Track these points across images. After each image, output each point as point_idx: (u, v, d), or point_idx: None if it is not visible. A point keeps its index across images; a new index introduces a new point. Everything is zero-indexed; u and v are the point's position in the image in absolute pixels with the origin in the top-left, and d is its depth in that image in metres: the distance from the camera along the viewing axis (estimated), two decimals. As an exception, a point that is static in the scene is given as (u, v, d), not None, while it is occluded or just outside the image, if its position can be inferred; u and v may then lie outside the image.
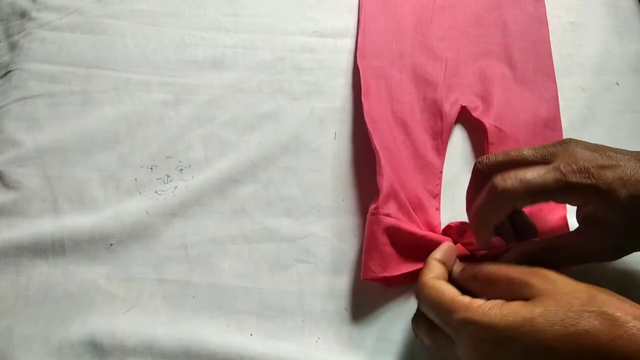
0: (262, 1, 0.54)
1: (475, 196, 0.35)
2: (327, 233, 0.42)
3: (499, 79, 0.48)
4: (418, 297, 0.33)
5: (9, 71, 0.50)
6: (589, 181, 0.30)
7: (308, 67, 0.50)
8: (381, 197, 0.38)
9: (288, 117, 0.47)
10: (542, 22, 0.51)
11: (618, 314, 0.25)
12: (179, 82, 0.49)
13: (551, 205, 0.40)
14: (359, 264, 0.40)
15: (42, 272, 0.40)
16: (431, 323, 0.32)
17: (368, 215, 0.39)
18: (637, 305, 0.26)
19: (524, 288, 0.29)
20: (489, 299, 0.29)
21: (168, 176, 0.44)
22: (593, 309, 0.26)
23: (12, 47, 0.52)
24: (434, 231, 0.40)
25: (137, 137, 0.46)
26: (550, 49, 0.50)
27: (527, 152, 0.34)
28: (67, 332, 0.38)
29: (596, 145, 0.33)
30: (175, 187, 0.44)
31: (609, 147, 0.33)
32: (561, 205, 0.41)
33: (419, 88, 0.47)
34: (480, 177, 0.35)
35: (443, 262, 0.34)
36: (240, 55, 0.51)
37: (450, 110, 0.46)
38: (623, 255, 0.34)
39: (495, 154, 0.35)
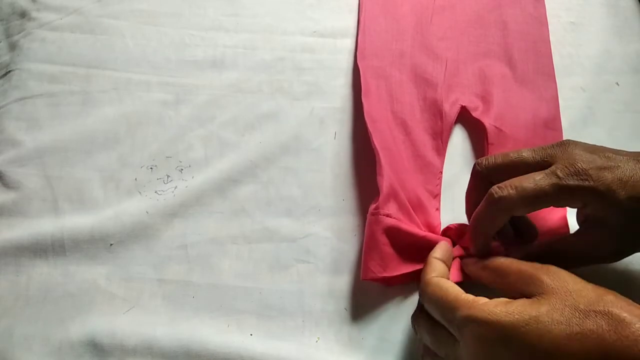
0: (262, 1, 0.54)
1: (474, 198, 0.36)
2: (327, 233, 0.42)
3: (499, 79, 0.48)
4: (422, 296, 0.33)
5: (9, 71, 0.50)
6: (587, 183, 0.30)
7: (308, 67, 0.50)
8: (381, 198, 0.38)
9: (288, 117, 0.47)
10: (542, 22, 0.51)
11: (624, 315, 0.25)
12: (179, 82, 0.49)
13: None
14: (359, 264, 0.40)
15: (42, 272, 0.40)
16: (433, 321, 0.32)
17: (368, 216, 0.39)
18: None
19: (534, 282, 0.29)
20: (495, 290, 0.29)
21: (168, 176, 0.44)
22: (599, 309, 0.26)
23: (12, 47, 0.52)
24: (434, 231, 0.40)
25: (137, 137, 0.46)
26: (550, 49, 0.50)
27: (526, 154, 0.34)
28: (67, 332, 0.38)
29: (595, 146, 0.33)
30: (175, 187, 0.44)
31: (608, 148, 0.33)
32: (561, 206, 0.41)
33: (419, 88, 0.47)
34: (480, 179, 0.35)
35: (443, 261, 0.35)
36: (240, 55, 0.51)
37: (450, 110, 0.46)
38: (624, 257, 0.34)
39: (494, 155, 0.35)
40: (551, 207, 0.39)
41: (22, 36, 0.52)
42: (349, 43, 0.51)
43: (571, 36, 0.52)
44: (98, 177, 0.44)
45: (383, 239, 0.37)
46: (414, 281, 0.38)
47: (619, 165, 0.31)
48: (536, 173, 0.32)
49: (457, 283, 0.33)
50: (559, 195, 0.31)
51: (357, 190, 0.43)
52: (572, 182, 0.31)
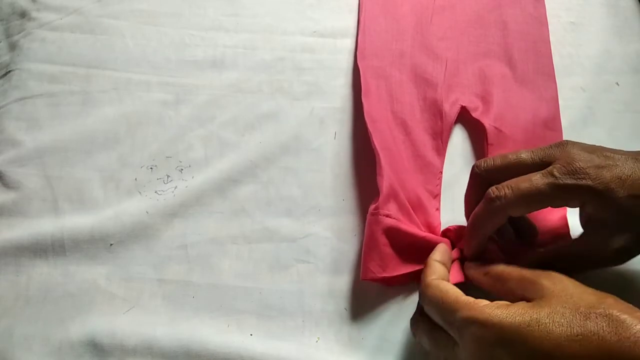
0: (262, 1, 0.54)
1: (473, 200, 0.36)
2: (327, 233, 0.42)
3: (499, 79, 0.48)
4: (421, 298, 0.33)
5: (9, 71, 0.50)
6: (584, 182, 0.31)
7: (308, 67, 0.50)
8: (381, 198, 0.38)
9: (288, 117, 0.47)
10: (542, 22, 0.51)
11: (625, 317, 0.25)
12: (179, 82, 0.49)
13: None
14: (359, 264, 0.40)
15: (42, 272, 0.40)
16: (432, 324, 0.32)
17: (368, 216, 0.39)
18: None
19: (534, 287, 0.29)
20: (496, 295, 0.29)
21: (168, 176, 0.44)
22: (600, 311, 0.26)
23: (12, 47, 0.52)
24: (433, 232, 0.40)
25: (137, 137, 0.46)
26: (550, 49, 0.50)
27: (525, 155, 0.34)
28: (67, 332, 0.38)
29: (593, 146, 0.33)
30: (175, 187, 0.44)
31: (607, 147, 0.33)
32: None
33: (419, 88, 0.47)
34: (479, 181, 0.35)
35: (443, 263, 0.35)
36: (240, 55, 0.51)
37: (450, 110, 0.46)
38: (629, 259, 0.33)
39: (493, 157, 0.35)
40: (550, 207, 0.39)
41: (22, 36, 0.52)
42: (349, 43, 0.51)
43: (571, 36, 0.52)
44: (98, 177, 0.44)
45: (383, 239, 0.37)
46: (413, 281, 0.38)
47: (617, 164, 0.31)
48: (534, 174, 0.32)
49: (457, 284, 0.33)
50: (556, 195, 0.31)
51: (357, 190, 0.43)
52: (568, 181, 0.31)
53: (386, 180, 0.39)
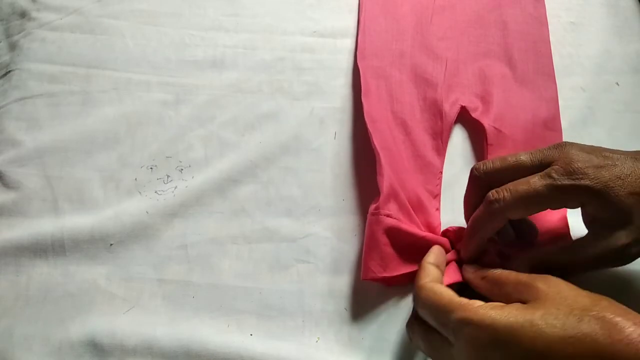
0: (262, 1, 0.54)
1: (472, 203, 0.36)
2: (327, 233, 0.42)
3: (499, 79, 0.48)
4: (415, 300, 0.33)
5: (9, 71, 0.50)
6: (582, 182, 0.31)
7: (308, 67, 0.50)
8: (382, 198, 0.38)
9: (288, 117, 0.47)
10: (542, 22, 0.51)
11: (618, 319, 0.25)
12: (179, 82, 0.49)
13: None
14: (359, 264, 0.40)
15: (42, 272, 0.40)
16: (427, 326, 0.32)
17: (368, 216, 0.39)
18: (637, 314, 0.26)
19: (530, 290, 0.29)
20: (493, 300, 0.30)
21: (168, 176, 0.44)
22: (594, 313, 0.26)
23: (12, 47, 0.52)
24: (434, 232, 0.40)
25: (137, 137, 0.46)
26: (550, 49, 0.50)
27: (524, 157, 0.34)
28: (67, 332, 0.38)
29: (592, 146, 0.33)
30: (175, 187, 0.44)
31: (606, 148, 0.33)
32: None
33: (419, 88, 0.47)
34: (478, 184, 0.35)
35: (437, 266, 0.35)
36: (240, 55, 0.51)
37: (450, 110, 0.46)
38: (632, 260, 0.33)
39: (492, 160, 0.35)
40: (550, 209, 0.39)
41: (22, 36, 0.52)
42: (349, 43, 0.51)
43: (571, 36, 0.52)
44: (98, 177, 0.44)
45: (383, 239, 0.37)
46: (412, 282, 0.38)
47: (616, 164, 0.31)
48: (532, 176, 0.32)
49: (453, 285, 0.33)
50: (554, 196, 0.31)
51: (357, 190, 0.43)
52: (566, 181, 0.31)
53: (386, 180, 0.39)
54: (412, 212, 0.40)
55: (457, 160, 0.45)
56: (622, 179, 0.30)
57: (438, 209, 0.42)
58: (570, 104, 0.47)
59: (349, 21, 0.53)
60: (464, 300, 0.30)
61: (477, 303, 0.29)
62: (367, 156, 0.43)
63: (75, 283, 0.40)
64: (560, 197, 0.31)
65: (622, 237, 0.32)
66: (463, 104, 0.47)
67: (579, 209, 0.33)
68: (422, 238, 0.38)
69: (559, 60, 0.50)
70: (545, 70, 0.49)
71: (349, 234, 0.42)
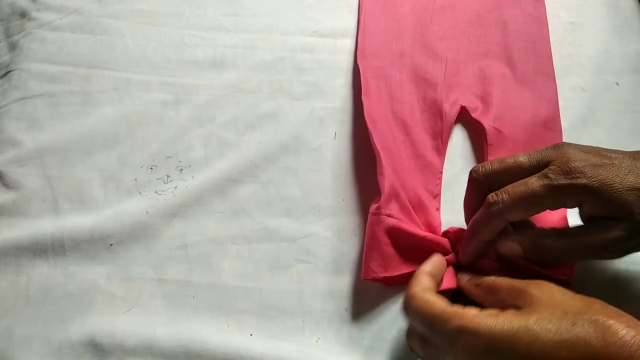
0: (262, 1, 0.54)
1: (472, 205, 0.36)
2: (327, 233, 0.42)
3: (499, 79, 0.48)
4: (405, 310, 0.32)
5: (9, 71, 0.50)
6: (578, 181, 0.31)
7: (308, 67, 0.50)
8: (383, 198, 0.38)
9: (288, 117, 0.47)
10: (542, 22, 0.51)
11: (611, 322, 0.25)
12: (179, 82, 0.49)
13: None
14: (359, 264, 0.40)
15: (42, 272, 0.40)
16: (422, 336, 0.32)
17: (369, 215, 0.39)
18: (630, 316, 0.26)
19: (524, 296, 0.29)
20: (488, 307, 0.30)
21: (168, 176, 0.44)
22: (587, 316, 0.26)
23: (12, 47, 0.52)
24: (434, 232, 0.40)
25: (137, 137, 0.46)
26: (550, 49, 0.50)
27: (523, 158, 0.34)
28: (67, 332, 0.38)
29: (590, 146, 0.33)
30: (175, 187, 0.44)
31: (604, 148, 0.33)
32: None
33: (419, 88, 0.47)
34: (478, 186, 0.35)
35: (432, 275, 0.34)
36: (240, 55, 0.51)
37: (450, 110, 0.46)
38: (626, 254, 0.33)
39: (490, 162, 0.35)
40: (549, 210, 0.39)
41: (22, 36, 0.52)
42: (349, 43, 0.51)
43: (571, 36, 0.52)
44: (98, 177, 0.44)
45: (384, 239, 0.37)
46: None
47: (614, 163, 0.31)
48: (530, 177, 0.32)
49: (446, 291, 0.33)
50: (552, 196, 0.31)
51: (357, 190, 0.43)
52: (563, 181, 0.31)
53: (387, 180, 0.39)
54: (413, 212, 0.40)
55: (457, 160, 0.45)
56: (620, 177, 0.31)
57: (438, 209, 0.42)
58: (570, 104, 0.47)
59: (349, 21, 0.53)
60: (459, 308, 0.30)
61: (472, 311, 0.29)
62: (367, 156, 0.43)
63: (75, 283, 0.40)
64: (558, 196, 0.31)
65: (617, 230, 0.32)
66: (463, 104, 0.47)
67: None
68: (423, 238, 0.38)
69: (559, 60, 0.50)
70: (545, 70, 0.49)
71: (349, 234, 0.42)
